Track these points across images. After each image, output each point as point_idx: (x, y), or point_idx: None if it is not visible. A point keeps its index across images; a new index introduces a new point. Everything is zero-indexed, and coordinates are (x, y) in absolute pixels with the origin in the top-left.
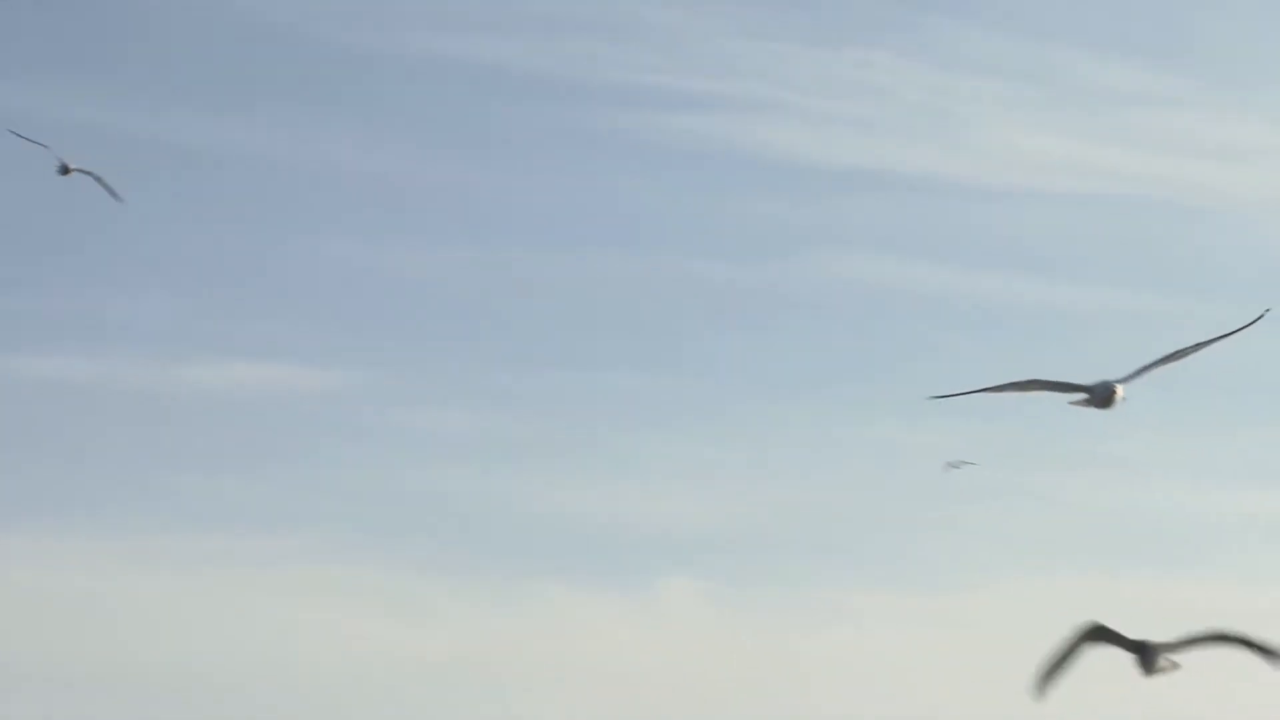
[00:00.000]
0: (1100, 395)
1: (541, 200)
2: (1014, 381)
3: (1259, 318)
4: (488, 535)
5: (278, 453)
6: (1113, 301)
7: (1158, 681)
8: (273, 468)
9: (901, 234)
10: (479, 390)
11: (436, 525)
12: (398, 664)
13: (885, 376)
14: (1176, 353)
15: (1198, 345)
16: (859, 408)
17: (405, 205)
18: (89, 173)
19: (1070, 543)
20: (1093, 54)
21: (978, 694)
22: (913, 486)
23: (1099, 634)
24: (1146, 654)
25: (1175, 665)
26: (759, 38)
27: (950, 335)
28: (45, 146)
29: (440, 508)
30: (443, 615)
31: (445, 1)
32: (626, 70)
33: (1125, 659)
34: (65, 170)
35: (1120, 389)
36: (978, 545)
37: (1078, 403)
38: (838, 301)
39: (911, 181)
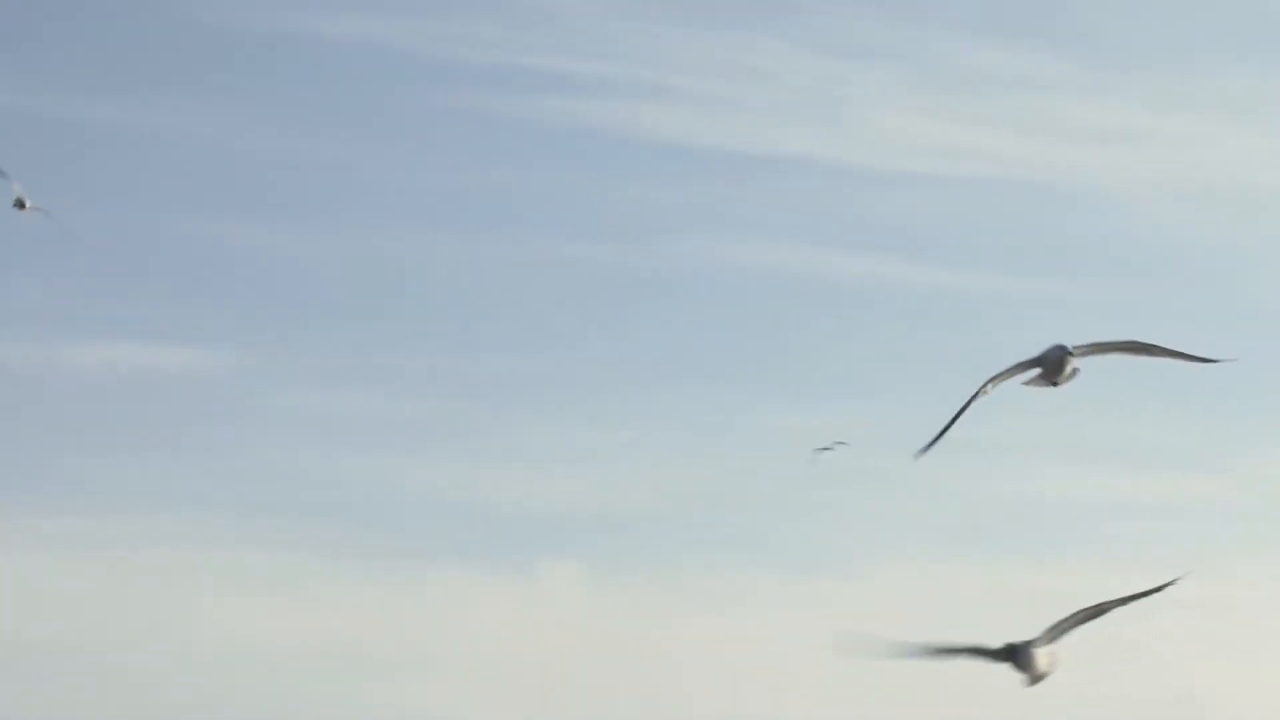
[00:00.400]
0: (1052, 362)
1: (422, 182)
2: (974, 395)
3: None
4: (369, 517)
5: (157, 435)
6: (990, 285)
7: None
8: (152, 450)
9: (782, 217)
10: (360, 373)
11: (317, 507)
12: (278, 645)
13: (766, 359)
14: (1132, 344)
15: (1157, 349)
16: (740, 391)
17: (286, 186)
18: (41, 209)
19: (946, 527)
20: (971, 38)
21: (853, 677)
22: (792, 470)
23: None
24: (1020, 655)
25: (1054, 662)
26: (641, 20)
27: (829, 318)
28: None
29: (321, 490)
30: (324, 597)
31: None
32: (508, 52)
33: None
34: (21, 205)
35: (1073, 362)
36: (856, 530)
37: (1032, 381)
38: (718, 284)
39: (792, 165)
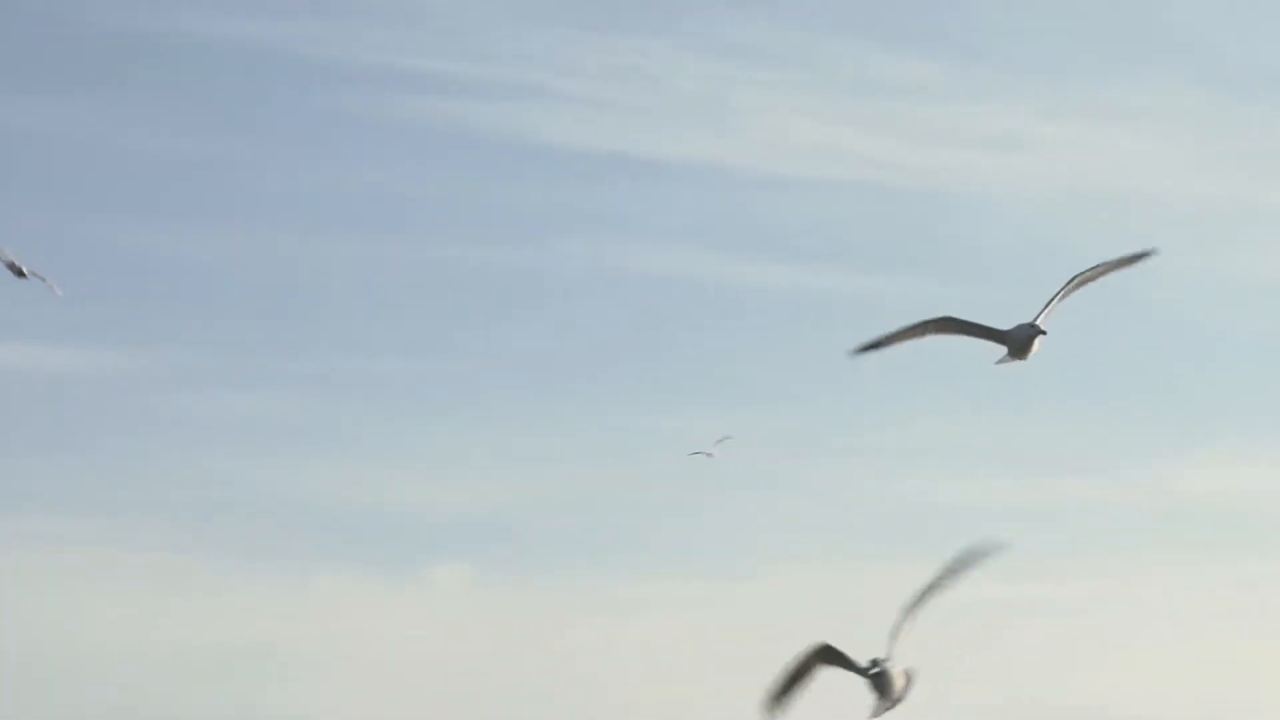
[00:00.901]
0: (1018, 340)
1: (312, 183)
2: (929, 320)
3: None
4: (259, 519)
5: (48, 437)
6: (876, 289)
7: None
8: (42, 452)
9: (669, 220)
10: (251, 375)
11: (207, 509)
12: (167, 647)
13: (656, 362)
14: (1076, 279)
15: (1097, 270)
16: (630, 393)
17: (177, 187)
18: (40, 275)
19: (837, 530)
20: (859, 43)
21: (745, 680)
22: (683, 472)
23: (828, 656)
24: (878, 677)
25: (910, 682)
26: (528, 22)
27: (718, 322)
28: None
29: (211, 491)
30: (213, 599)
31: None
32: (398, 54)
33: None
34: (19, 273)
35: (1038, 340)
36: (747, 532)
37: (1002, 360)
38: (607, 287)
39: (679, 168)
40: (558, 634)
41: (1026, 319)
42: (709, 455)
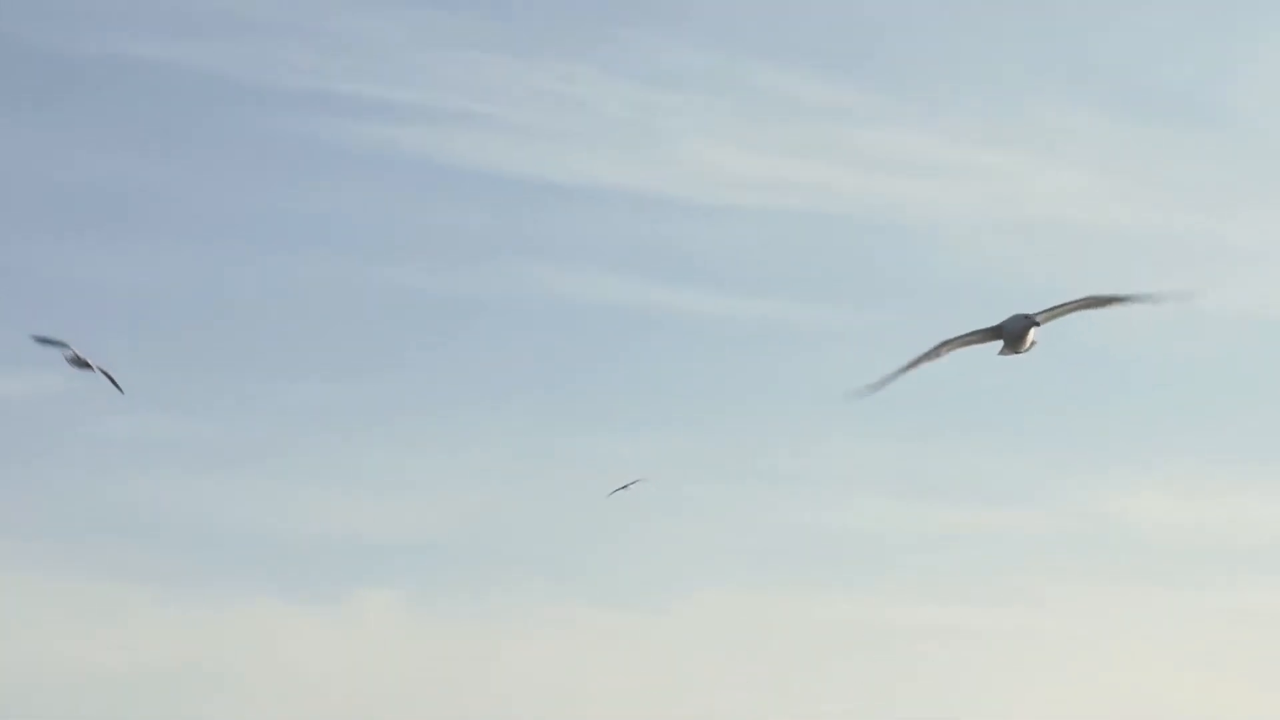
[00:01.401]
0: (1015, 329)
1: (234, 206)
2: (926, 354)
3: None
4: (183, 545)
5: None
6: (804, 316)
7: None
8: None
9: (599, 247)
10: (173, 398)
11: (131, 534)
12: (93, 673)
13: (582, 387)
14: (1090, 299)
15: (1115, 299)
16: (555, 418)
17: (101, 207)
18: (103, 370)
19: (758, 556)
20: (789, 69)
21: (667, 705)
22: (606, 498)
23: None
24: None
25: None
26: (456, 47)
27: (645, 348)
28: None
29: (135, 516)
30: (139, 624)
31: (145, 5)
32: (325, 78)
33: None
34: (81, 363)
35: (1032, 331)
36: (670, 558)
37: (1004, 351)
38: (533, 312)
39: (607, 194)
40: (486, 659)
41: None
42: (626, 489)
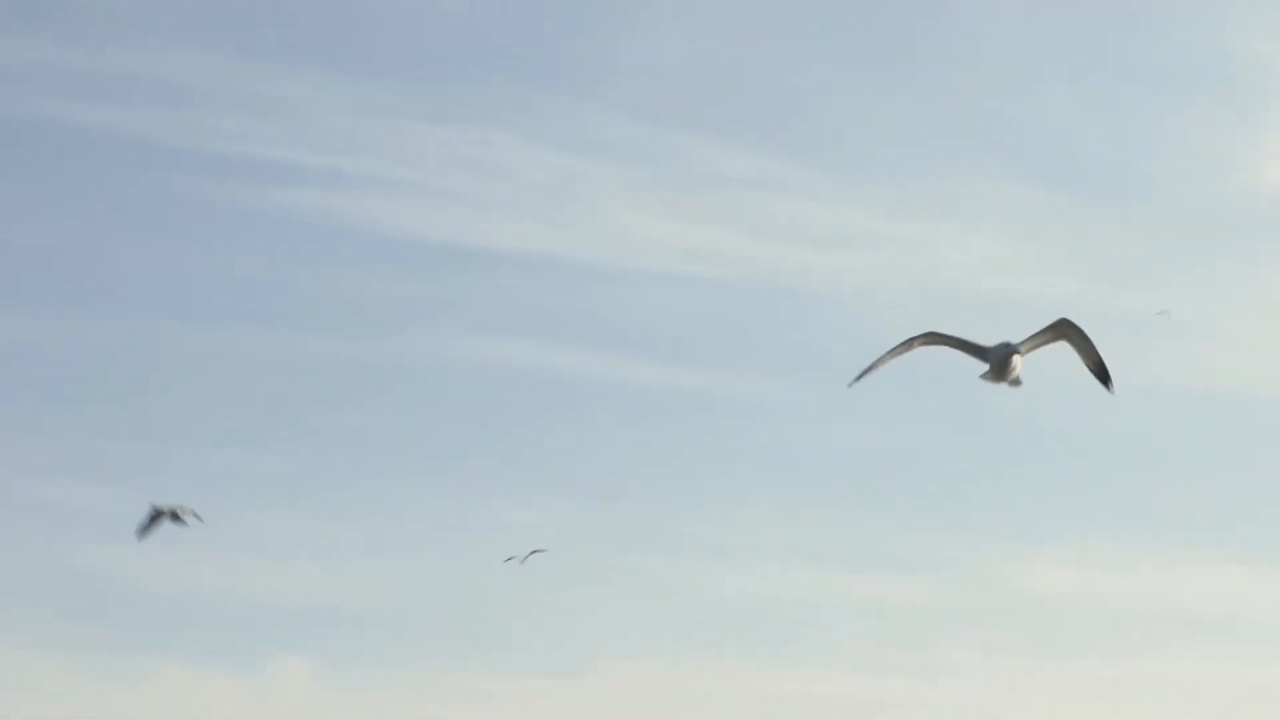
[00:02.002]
0: (998, 357)
1: (159, 272)
2: (915, 336)
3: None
4: (104, 610)
5: None
6: (722, 385)
7: None
8: None
9: (518, 313)
10: (96, 462)
11: (52, 598)
12: None
13: (500, 455)
14: (1066, 326)
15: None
16: (473, 486)
17: (24, 272)
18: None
19: (675, 625)
20: (708, 138)
21: None
22: (524, 566)
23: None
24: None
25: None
26: (378, 114)
27: (563, 415)
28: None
29: (56, 580)
30: (53, 691)
31: (69, 69)
32: (245, 142)
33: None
34: (174, 517)
35: (1019, 359)
36: (587, 626)
37: (985, 376)
38: (452, 379)
39: (527, 261)
40: None
41: (867, 420)
42: (521, 561)
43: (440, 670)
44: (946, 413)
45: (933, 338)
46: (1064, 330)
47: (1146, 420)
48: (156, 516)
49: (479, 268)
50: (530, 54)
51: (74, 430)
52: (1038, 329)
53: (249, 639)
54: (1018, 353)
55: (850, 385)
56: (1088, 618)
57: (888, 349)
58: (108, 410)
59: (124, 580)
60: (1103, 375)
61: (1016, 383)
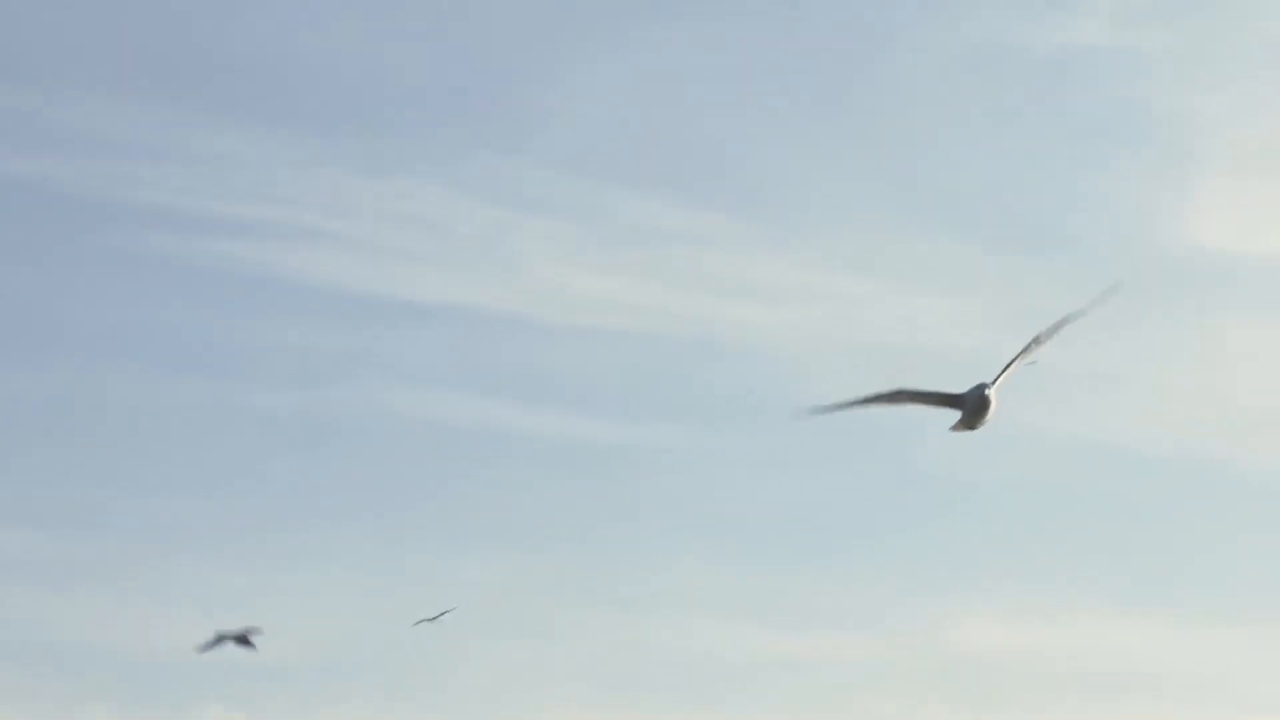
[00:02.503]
0: (973, 403)
1: (88, 322)
2: (882, 394)
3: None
4: (29, 660)
5: None
6: (654, 438)
7: None
8: None
9: (448, 367)
10: (25, 512)
11: None
12: None
13: (431, 507)
14: (1033, 342)
15: (1051, 331)
16: (403, 538)
17: None
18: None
19: (602, 680)
20: (637, 192)
21: None
22: (452, 617)
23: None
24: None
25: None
26: (308, 165)
27: (494, 468)
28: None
29: None
30: None
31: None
32: (174, 194)
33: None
34: (242, 640)
35: (993, 394)
36: (513, 680)
37: (956, 427)
38: (382, 432)
39: (457, 314)
40: None
41: (801, 473)
42: (432, 621)
43: None
44: (876, 466)
45: (901, 396)
46: (1039, 342)
47: (1075, 475)
48: (220, 640)
49: (409, 321)
50: (460, 107)
51: (4, 479)
52: (1012, 357)
53: (178, 688)
54: (988, 387)
55: (808, 415)
56: (1017, 674)
57: (861, 397)
58: (33, 459)
59: (50, 628)
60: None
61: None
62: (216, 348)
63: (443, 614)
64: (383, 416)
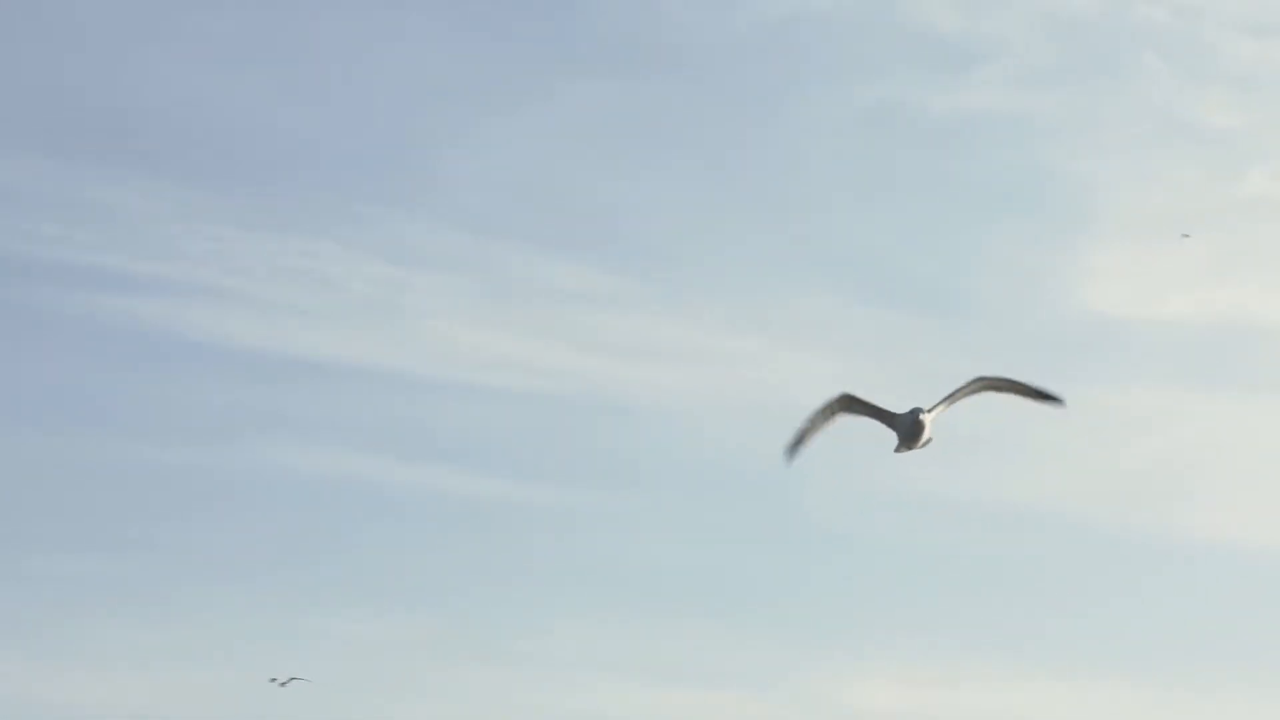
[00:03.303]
0: (905, 425)
1: None
2: (833, 401)
3: None
4: None
5: None
6: (547, 496)
7: None
8: None
9: (343, 424)
10: None
11: None
12: None
13: (325, 563)
14: (980, 382)
15: (1004, 383)
16: (298, 594)
17: None
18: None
19: None
20: (533, 251)
21: None
22: (346, 677)
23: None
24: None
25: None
26: (203, 222)
27: (387, 525)
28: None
29: None
30: None
31: None
32: (68, 249)
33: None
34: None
35: (927, 420)
36: None
37: (899, 448)
38: (274, 488)
39: (353, 372)
40: None
41: (691, 530)
42: (281, 685)
43: None
44: (770, 526)
45: (848, 402)
46: (984, 384)
47: (969, 536)
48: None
49: (305, 378)
50: (356, 165)
51: None
52: (952, 390)
53: None
54: (923, 412)
55: (788, 460)
56: None
57: (809, 416)
58: None
59: None
60: (1045, 396)
61: (927, 442)
62: (109, 403)
63: (292, 680)
64: (272, 473)
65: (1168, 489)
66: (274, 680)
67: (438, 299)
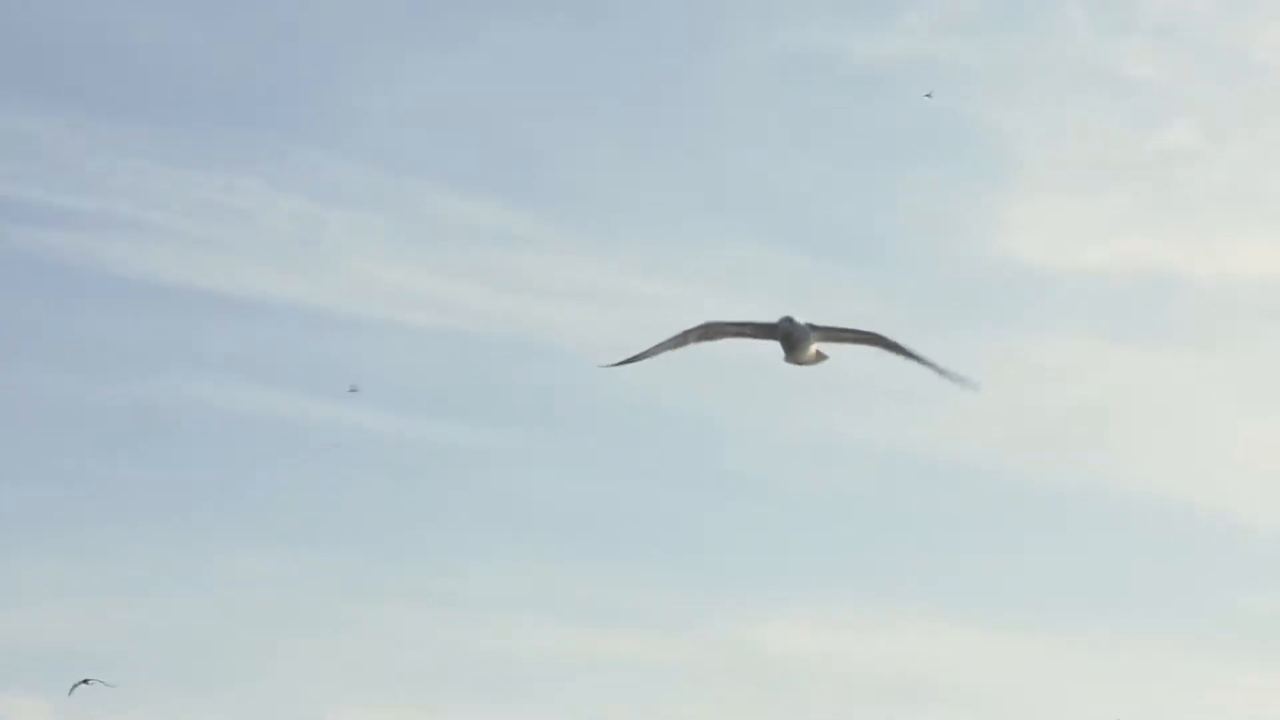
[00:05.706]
0: (782, 331)
1: None
2: (691, 330)
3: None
4: None
5: None
6: (463, 437)
7: None
8: None
9: (261, 361)
10: None
11: None
12: None
13: (237, 500)
14: (876, 337)
15: (901, 350)
16: (211, 532)
17: None
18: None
19: (406, 677)
20: (457, 192)
21: None
22: (262, 614)
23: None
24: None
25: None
26: (121, 154)
27: (302, 462)
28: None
29: None
30: None
31: None
32: None
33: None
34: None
35: (805, 323)
36: (319, 679)
37: (788, 359)
38: (193, 424)
39: (274, 308)
40: None
41: (622, 477)
42: (69, 693)
43: (174, 717)
44: (689, 469)
45: (711, 330)
46: (881, 343)
47: (887, 483)
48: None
49: (224, 313)
50: (278, 102)
51: None
52: (848, 326)
53: None
54: (793, 326)
55: (608, 365)
56: (823, 679)
57: (661, 341)
58: None
59: None
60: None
61: (820, 358)
62: (27, 336)
63: (86, 681)
64: (192, 409)
65: (1085, 438)
66: (75, 684)
67: (357, 236)
